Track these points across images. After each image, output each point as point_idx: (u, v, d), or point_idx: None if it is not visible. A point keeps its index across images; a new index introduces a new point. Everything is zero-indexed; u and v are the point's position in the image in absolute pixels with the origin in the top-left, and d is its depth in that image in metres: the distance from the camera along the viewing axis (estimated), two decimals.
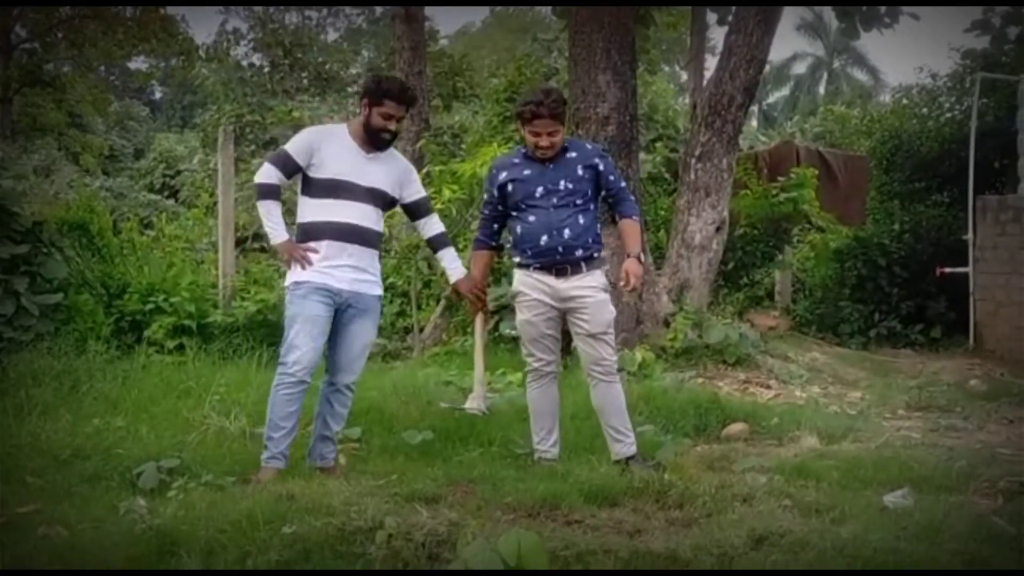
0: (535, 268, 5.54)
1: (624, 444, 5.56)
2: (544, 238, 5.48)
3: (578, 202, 5.54)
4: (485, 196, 5.86)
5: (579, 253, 5.49)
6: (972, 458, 5.69)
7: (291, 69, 26.89)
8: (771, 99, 45.80)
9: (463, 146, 15.15)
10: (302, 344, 5.14)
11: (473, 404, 5.84)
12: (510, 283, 9.50)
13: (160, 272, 9.03)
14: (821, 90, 45.39)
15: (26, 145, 26.51)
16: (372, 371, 8.16)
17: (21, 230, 7.96)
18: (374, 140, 5.36)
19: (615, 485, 4.99)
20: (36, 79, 30.31)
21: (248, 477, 5.19)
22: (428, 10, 16.51)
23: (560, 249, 5.46)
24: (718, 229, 9.60)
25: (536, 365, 5.67)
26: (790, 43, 53.93)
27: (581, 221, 5.52)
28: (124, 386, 6.97)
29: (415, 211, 5.70)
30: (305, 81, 27.57)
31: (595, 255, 5.58)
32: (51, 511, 4.62)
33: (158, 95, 46.52)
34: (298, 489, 4.68)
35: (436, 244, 5.76)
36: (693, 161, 9.60)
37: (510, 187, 5.60)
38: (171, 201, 21.46)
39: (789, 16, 42.28)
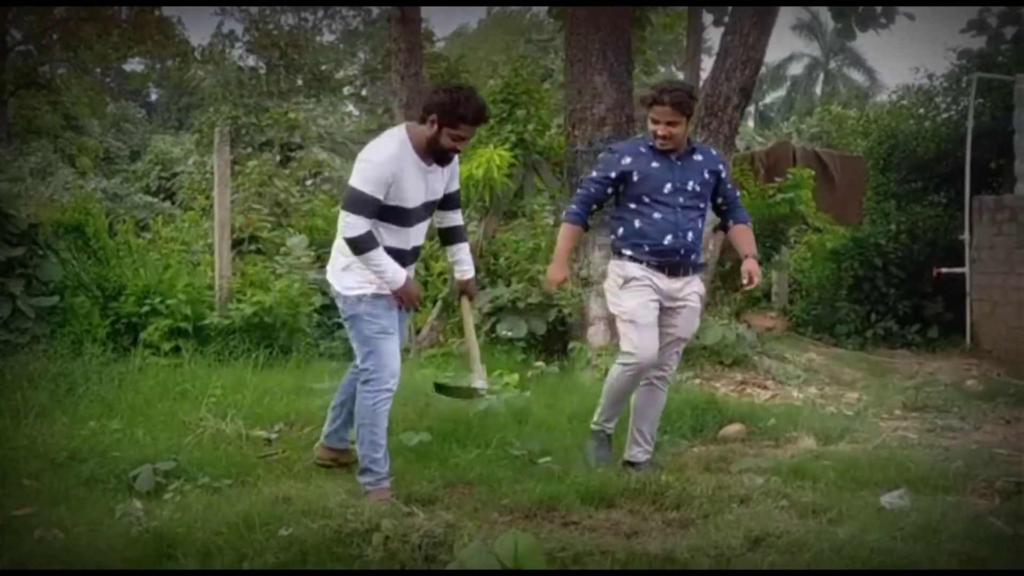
0: (649, 265, 5.41)
1: (644, 451, 5.60)
2: (669, 237, 5.37)
3: (700, 205, 5.52)
4: (596, 174, 5.55)
5: (694, 257, 5.49)
6: (969, 458, 5.70)
7: (287, 71, 26.91)
8: (767, 100, 45.86)
9: None
10: (394, 356, 5.07)
11: (479, 383, 5.48)
12: (507, 284, 9.59)
13: (156, 274, 9.00)
14: (818, 91, 45.47)
15: (22, 147, 26.47)
16: None
17: (17, 232, 7.96)
18: (440, 159, 5.12)
19: (612, 486, 5.00)
20: (31, 81, 30.29)
21: (245, 479, 5.18)
22: (424, 12, 16.48)
23: (681, 251, 5.40)
24: (715, 230, 9.59)
25: (638, 358, 5.35)
26: (786, 44, 54.04)
27: (699, 225, 5.50)
28: (120, 389, 6.97)
29: (446, 202, 5.36)
30: (301, 82, 27.58)
31: (701, 261, 5.63)
32: (47, 514, 4.62)
33: (154, 97, 46.49)
34: (295, 491, 4.69)
35: (453, 236, 5.47)
36: None
37: (635, 176, 5.42)
38: (167, 203, 21.44)
39: (785, 17, 42.35)
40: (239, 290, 9.19)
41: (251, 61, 29.11)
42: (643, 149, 5.49)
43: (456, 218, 5.45)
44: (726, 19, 10.22)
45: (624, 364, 5.43)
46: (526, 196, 11.73)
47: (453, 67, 21.37)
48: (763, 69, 14.10)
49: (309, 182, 20.11)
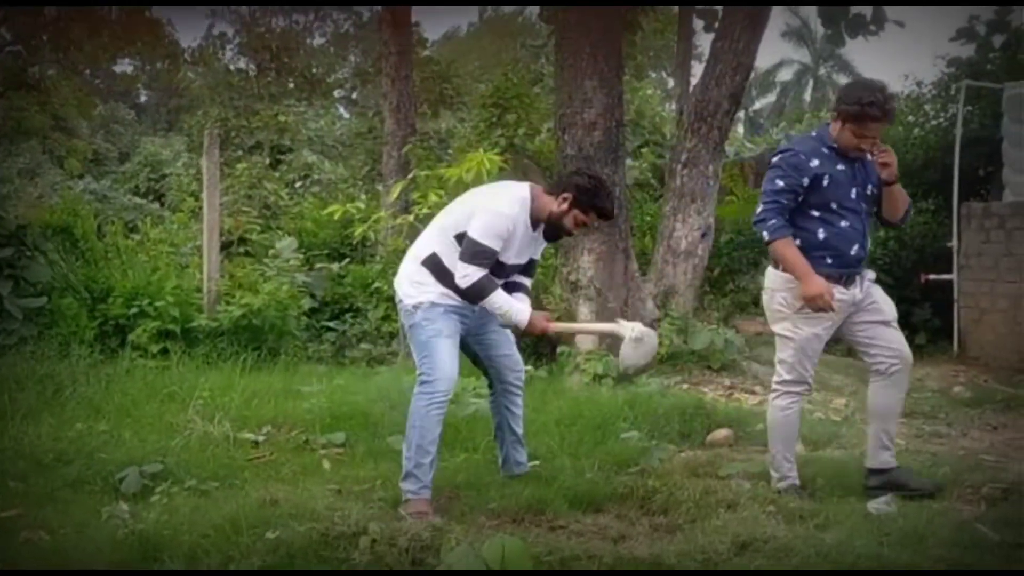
0: (829, 279, 4.88)
1: (891, 452, 5.17)
2: (855, 248, 4.95)
3: (874, 208, 5.14)
4: (783, 183, 4.93)
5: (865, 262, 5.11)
6: (956, 464, 5.72)
7: (277, 73, 26.86)
8: (757, 105, 46.00)
9: (449, 151, 15.17)
10: (450, 361, 4.92)
11: (627, 329, 5.09)
12: None
13: (144, 276, 8.99)
14: (807, 97, 45.59)
15: (10, 148, 26.39)
16: (356, 376, 8.18)
17: (5, 233, 7.96)
18: (552, 234, 5.13)
19: (599, 491, 5.01)
20: (20, 82, 30.17)
21: (232, 482, 5.17)
22: (414, 15, 16.47)
23: (860, 261, 5.02)
24: (704, 235, 9.61)
25: (807, 384, 5.18)
26: (776, 49, 54.19)
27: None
28: (107, 390, 6.96)
29: (527, 269, 5.24)
30: (292, 85, 27.54)
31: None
32: (33, 516, 4.62)
33: (143, 98, 46.35)
34: (282, 494, 4.69)
35: (513, 288, 5.14)
36: (679, 167, 9.61)
37: (825, 181, 4.91)
38: (156, 205, 21.40)
39: (775, 22, 42.54)
40: (228, 292, 9.19)
41: (242, 63, 29.09)
42: (826, 149, 4.98)
43: (525, 281, 5.25)
44: (716, 24, 10.25)
45: (788, 392, 5.15)
46: None
47: (444, 71, 21.40)
48: (753, 75, 14.13)
49: (299, 184, 20.13)
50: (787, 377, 5.13)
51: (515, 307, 4.93)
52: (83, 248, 9.32)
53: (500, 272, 4.97)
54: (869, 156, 5.02)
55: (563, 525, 4.59)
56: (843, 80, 44.94)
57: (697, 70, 12.77)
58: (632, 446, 5.97)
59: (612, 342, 8.59)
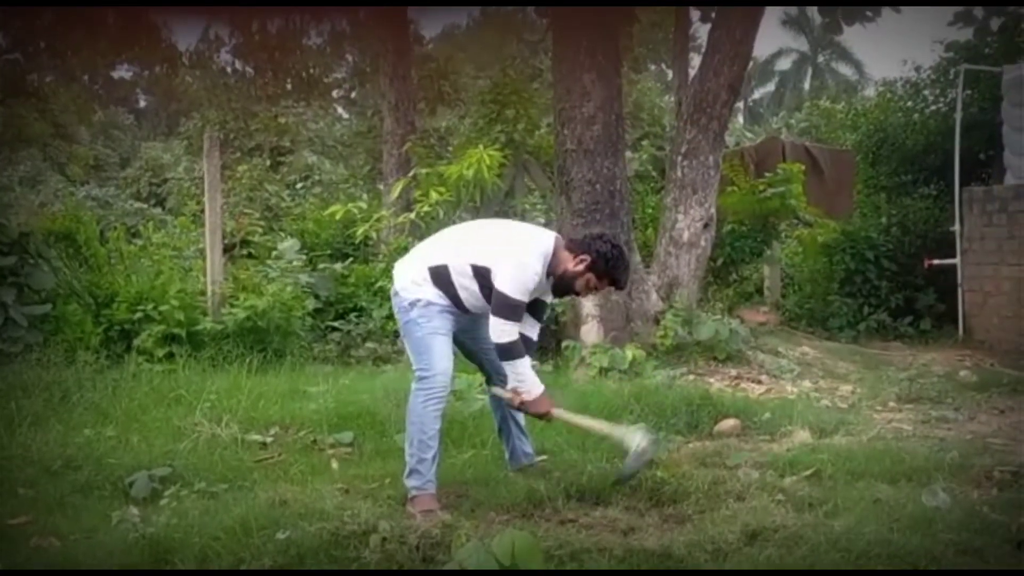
0: None
1: None
2: None
3: None
4: None
5: None
6: (964, 449, 5.72)
7: (275, 75, 26.84)
8: (756, 95, 45.91)
9: (449, 148, 15.18)
10: (446, 357, 4.96)
11: (636, 440, 4.97)
12: None
13: (148, 281, 8.98)
14: (806, 85, 45.51)
15: (11, 156, 26.40)
16: (362, 375, 8.18)
17: (7, 241, 7.95)
18: (560, 292, 5.14)
19: (608, 484, 5.00)
20: (19, 90, 30.15)
21: (241, 483, 5.18)
22: (412, 12, 16.46)
23: None
24: (706, 226, 9.60)
25: None
26: (774, 39, 54.02)
27: None
28: (114, 395, 6.96)
29: (537, 311, 5.23)
30: (289, 86, 27.53)
31: None
32: (43, 522, 4.63)
33: (143, 103, 46.35)
34: (291, 495, 4.70)
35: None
36: (679, 159, 9.61)
37: None
38: (158, 209, 21.41)
39: (773, 12, 42.38)
40: (232, 295, 9.18)
41: (238, 65, 29.05)
42: None
43: (532, 335, 5.22)
44: (713, 15, 10.24)
45: None
46: (516, 196, 11.76)
47: (442, 67, 21.39)
48: (751, 64, 14.12)
49: (300, 185, 20.14)
50: None
51: (532, 381, 4.98)
52: (86, 254, 9.31)
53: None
54: None
55: (573, 519, 4.59)
56: (842, 68, 44.99)
57: (695, 61, 12.75)
58: None
59: (618, 335, 8.63)
